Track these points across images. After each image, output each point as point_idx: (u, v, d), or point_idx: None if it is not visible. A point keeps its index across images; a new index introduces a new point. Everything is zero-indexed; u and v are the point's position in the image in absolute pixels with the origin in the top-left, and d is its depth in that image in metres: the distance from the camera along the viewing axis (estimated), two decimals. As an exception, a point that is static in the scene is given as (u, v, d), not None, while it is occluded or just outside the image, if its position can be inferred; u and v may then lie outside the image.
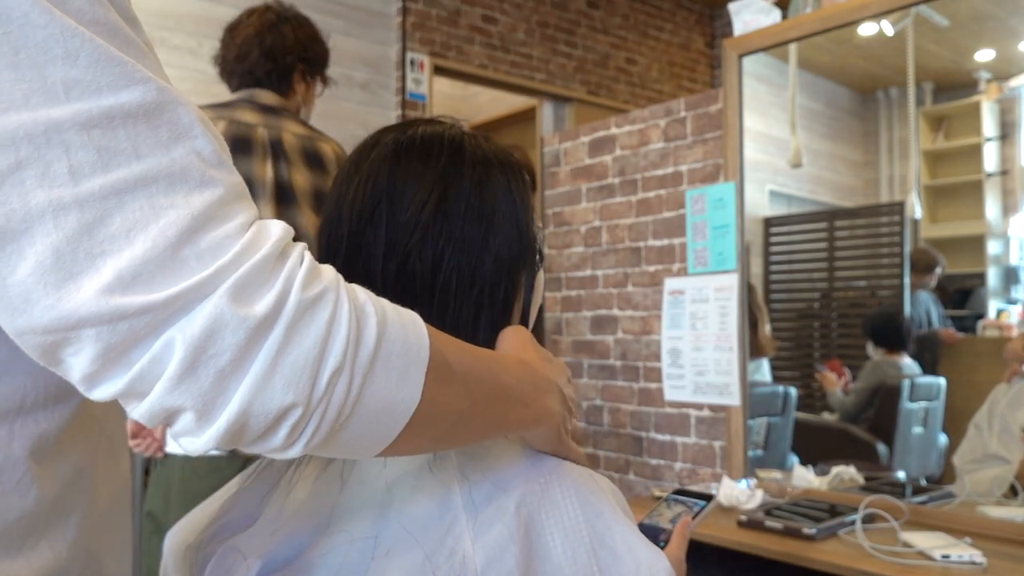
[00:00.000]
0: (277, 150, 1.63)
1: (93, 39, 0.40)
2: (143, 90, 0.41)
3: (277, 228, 0.44)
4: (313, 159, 1.67)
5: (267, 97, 1.72)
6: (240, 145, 1.59)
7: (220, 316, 0.40)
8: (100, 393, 0.41)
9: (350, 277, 0.65)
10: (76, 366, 0.40)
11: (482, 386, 0.54)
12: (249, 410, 0.41)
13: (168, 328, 0.40)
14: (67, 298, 0.38)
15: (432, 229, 0.63)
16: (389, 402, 0.46)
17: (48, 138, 0.39)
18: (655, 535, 0.70)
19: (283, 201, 1.59)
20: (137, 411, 0.41)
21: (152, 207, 0.40)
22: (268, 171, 1.59)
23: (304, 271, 0.43)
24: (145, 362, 0.40)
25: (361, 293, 0.47)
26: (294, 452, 0.44)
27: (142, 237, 0.39)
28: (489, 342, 0.65)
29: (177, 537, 0.72)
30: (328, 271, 0.46)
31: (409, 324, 0.48)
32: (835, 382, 2.52)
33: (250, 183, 1.53)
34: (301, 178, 1.63)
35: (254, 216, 0.44)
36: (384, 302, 0.48)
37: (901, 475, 2.32)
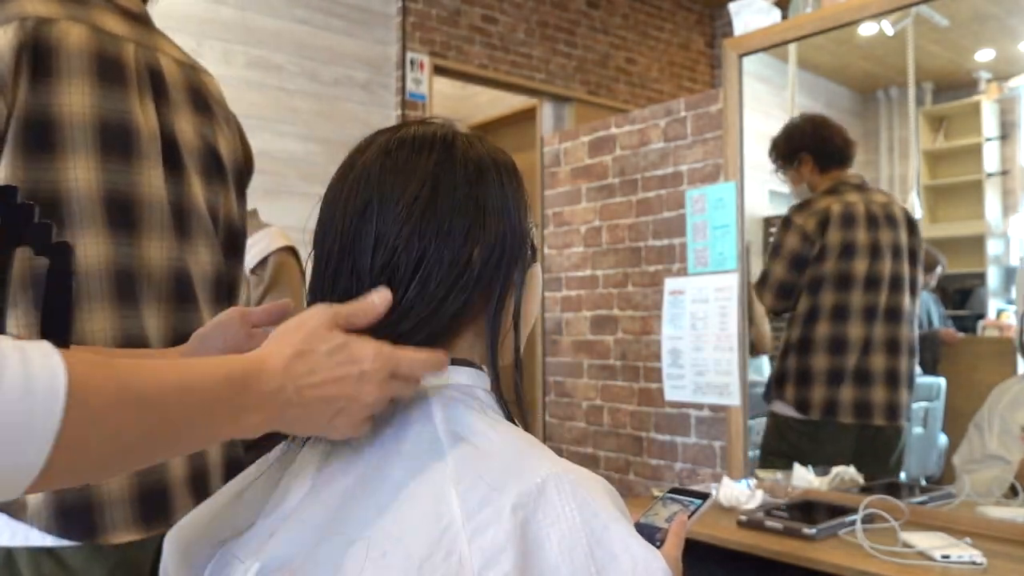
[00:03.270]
0: (156, 83, 1.11)
1: None
2: None
3: None
4: (199, 100, 1.18)
5: None
6: (111, 70, 1.04)
7: None
8: None
9: (340, 275, 0.68)
10: None
11: (153, 413, 0.50)
12: None
13: None
14: None
15: (421, 223, 0.64)
16: None
17: None
18: (651, 534, 0.70)
19: (172, 165, 1.10)
20: None
21: None
22: (152, 116, 1.09)
23: None
24: None
25: None
26: None
27: None
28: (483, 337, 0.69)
29: (178, 536, 0.72)
30: None
31: (39, 382, 0.43)
32: None
33: (127, 132, 1.04)
34: (188, 128, 1.14)
35: None
36: (15, 356, 0.43)
37: (901, 475, 2.31)
